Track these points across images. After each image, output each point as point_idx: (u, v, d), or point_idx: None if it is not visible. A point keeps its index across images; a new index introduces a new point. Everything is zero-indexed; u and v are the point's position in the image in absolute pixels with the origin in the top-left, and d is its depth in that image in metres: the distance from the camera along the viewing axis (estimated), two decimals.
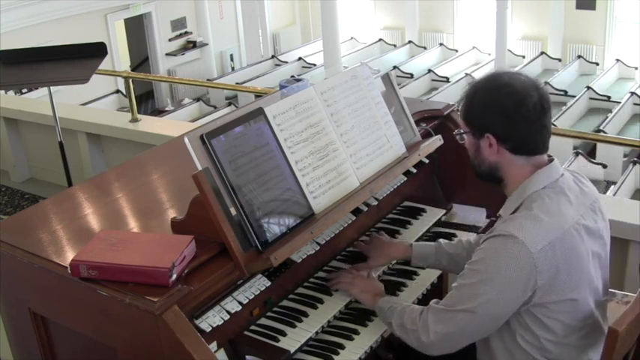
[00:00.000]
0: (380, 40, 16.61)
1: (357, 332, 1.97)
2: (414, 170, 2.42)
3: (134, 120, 4.81)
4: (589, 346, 1.84)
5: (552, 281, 1.72)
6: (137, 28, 14.10)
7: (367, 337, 1.96)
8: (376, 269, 2.21)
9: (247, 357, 1.83)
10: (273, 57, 15.62)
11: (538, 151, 1.84)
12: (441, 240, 2.24)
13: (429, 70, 14.19)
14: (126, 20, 13.80)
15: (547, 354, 1.81)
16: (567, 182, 1.83)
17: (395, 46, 16.36)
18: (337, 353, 1.89)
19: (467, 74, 13.80)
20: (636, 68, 13.92)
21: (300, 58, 15.42)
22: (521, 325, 1.80)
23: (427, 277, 2.25)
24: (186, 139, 1.78)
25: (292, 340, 1.87)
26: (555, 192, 1.79)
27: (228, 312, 1.78)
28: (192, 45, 14.77)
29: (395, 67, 14.09)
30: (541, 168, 1.82)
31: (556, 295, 1.74)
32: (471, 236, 2.27)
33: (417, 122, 2.56)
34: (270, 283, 1.90)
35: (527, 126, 1.78)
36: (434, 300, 1.86)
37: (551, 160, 1.85)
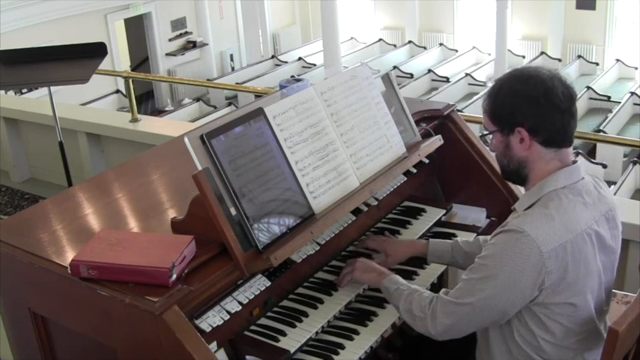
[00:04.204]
0: (380, 40, 16.60)
1: (357, 332, 1.96)
2: (414, 170, 2.42)
3: (134, 120, 4.82)
4: (585, 349, 1.84)
5: (559, 282, 1.72)
6: (137, 28, 14.10)
7: (367, 337, 1.95)
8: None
9: (247, 357, 1.83)
10: (273, 57, 15.61)
11: (566, 143, 1.81)
12: (458, 238, 2.24)
13: (429, 70, 14.19)
14: (126, 20, 13.80)
15: (542, 354, 1.81)
16: (587, 186, 1.82)
17: (395, 46, 16.35)
18: (337, 353, 1.89)
19: (467, 74, 13.81)
20: (636, 68, 13.91)
21: (300, 58, 15.42)
22: (520, 322, 1.80)
23: (427, 277, 2.24)
24: (186, 139, 1.78)
25: (292, 340, 1.86)
26: (573, 193, 1.78)
27: (228, 312, 1.78)
28: (192, 45, 14.77)
29: (395, 67, 14.09)
30: (565, 167, 1.81)
31: (560, 296, 1.74)
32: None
33: (417, 122, 2.56)
34: (270, 283, 1.90)
35: (558, 115, 1.75)
36: (443, 290, 1.87)
37: (574, 162, 1.83)
